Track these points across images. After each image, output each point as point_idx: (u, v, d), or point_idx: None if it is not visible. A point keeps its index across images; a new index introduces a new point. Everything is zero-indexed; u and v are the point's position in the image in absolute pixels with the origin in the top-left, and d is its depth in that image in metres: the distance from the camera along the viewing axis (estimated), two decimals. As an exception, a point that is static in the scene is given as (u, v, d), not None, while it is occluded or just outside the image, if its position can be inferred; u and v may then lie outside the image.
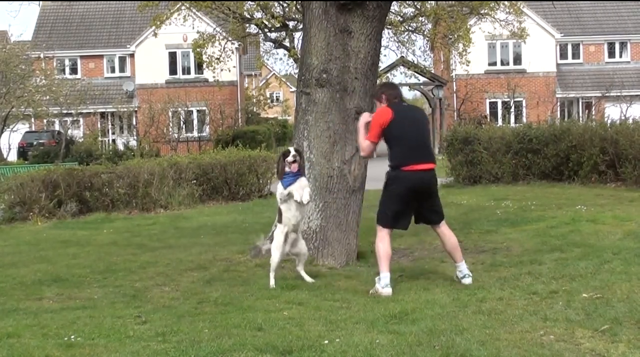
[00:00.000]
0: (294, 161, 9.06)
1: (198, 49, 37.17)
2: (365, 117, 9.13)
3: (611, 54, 50.88)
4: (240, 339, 6.37)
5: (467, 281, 8.59)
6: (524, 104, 47.62)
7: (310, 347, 6.03)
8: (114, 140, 47.25)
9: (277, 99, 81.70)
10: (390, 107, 8.77)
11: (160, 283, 9.81)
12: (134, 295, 9.06)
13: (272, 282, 8.95)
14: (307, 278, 9.12)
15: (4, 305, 8.73)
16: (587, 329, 6.27)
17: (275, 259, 9.11)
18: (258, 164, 21.23)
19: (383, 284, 8.36)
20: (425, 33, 37.64)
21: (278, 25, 36.82)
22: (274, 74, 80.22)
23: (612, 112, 34.93)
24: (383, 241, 8.63)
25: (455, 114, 46.83)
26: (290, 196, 9.00)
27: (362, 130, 8.95)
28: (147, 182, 19.26)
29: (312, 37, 10.68)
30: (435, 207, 8.86)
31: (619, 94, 43.36)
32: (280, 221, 9.23)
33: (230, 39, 38.84)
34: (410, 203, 8.64)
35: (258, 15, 36.91)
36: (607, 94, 44.50)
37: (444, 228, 8.94)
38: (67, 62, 50.58)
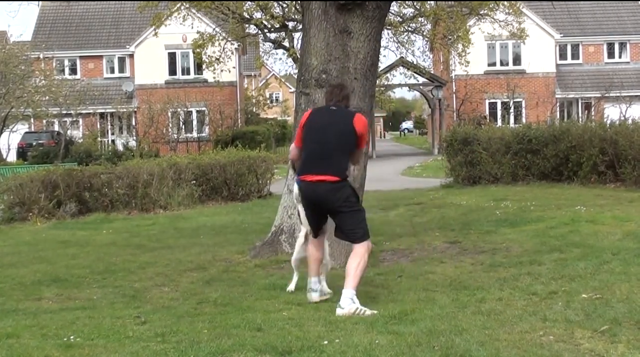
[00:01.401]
0: None
1: (198, 49, 37.21)
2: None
3: (610, 54, 50.91)
4: (239, 339, 6.37)
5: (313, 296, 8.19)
6: (523, 105, 47.64)
7: (309, 348, 6.03)
8: (113, 141, 47.25)
9: (277, 100, 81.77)
10: (311, 110, 8.60)
11: (160, 283, 9.81)
12: (133, 295, 9.06)
13: (292, 284, 8.69)
14: (325, 288, 8.53)
15: (3, 305, 8.74)
16: (586, 330, 6.27)
17: (294, 255, 8.81)
18: (257, 165, 21.23)
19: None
20: (424, 33, 37.72)
21: (277, 25, 36.89)
22: (273, 74, 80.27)
23: (612, 113, 34.99)
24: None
25: (454, 114, 46.87)
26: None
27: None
28: (147, 182, 19.26)
29: (311, 37, 10.69)
30: (342, 227, 8.02)
31: (618, 94, 43.40)
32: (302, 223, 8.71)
33: (229, 39, 38.87)
34: (314, 213, 8.12)
35: (257, 15, 36.99)
36: (606, 95, 44.55)
37: (357, 249, 7.89)
38: (66, 62, 50.59)
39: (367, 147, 11.11)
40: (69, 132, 44.01)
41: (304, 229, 8.63)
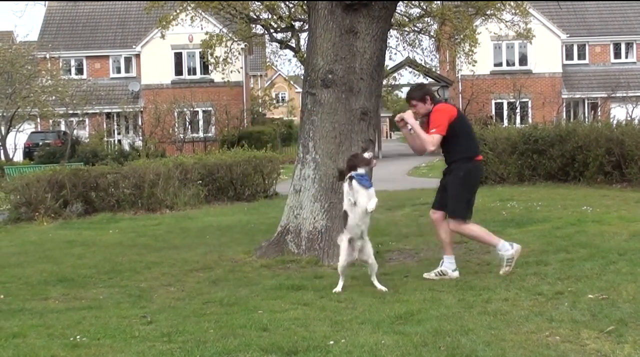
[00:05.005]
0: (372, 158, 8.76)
1: (208, 50, 37.26)
2: (411, 114, 9.32)
3: (617, 54, 50.86)
4: (245, 339, 6.38)
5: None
6: (529, 105, 47.59)
7: (315, 348, 6.03)
8: (119, 141, 47.34)
9: (283, 100, 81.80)
10: (451, 105, 9.51)
11: (166, 283, 9.81)
12: (139, 295, 9.06)
13: (339, 286, 8.57)
14: (379, 286, 8.60)
15: (10, 305, 8.75)
16: (592, 330, 6.27)
17: (341, 262, 8.67)
18: (264, 165, 21.25)
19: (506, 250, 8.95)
20: (431, 33, 37.70)
21: (284, 25, 36.94)
22: (279, 74, 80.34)
23: (618, 113, 34.89)
24: (470, 226, 9.16)
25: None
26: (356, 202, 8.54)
27: (419, 127, 9.16)
28: (153, 182, 19.27)
29: (317, 37, 10.69)
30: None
31: (624, 94, 43.33)
32: (344, 226, 8.71)
33: (236, 39, 38.91)
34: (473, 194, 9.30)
35: (264, 15, 37.02)
36: (613, 95, 44.47)
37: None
38: (72, 62, 50.74)
39: (373, 147, 11.13)
40: (75, 132, 44.06)
41: (347, 235, 8.65)
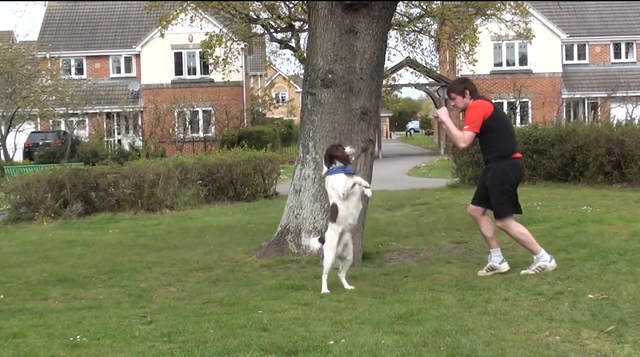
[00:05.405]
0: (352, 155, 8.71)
1: (208, 50, 37.24)
2: (445, 111, 9.35)
3: (617, 54, 50.86)
4: (245, 339, 6.37)
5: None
6: (529, 105, 47.56)
7: (315, 348, 6.03)
8: (119, 141, 47.33)
9: (283, 100, 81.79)
10: (485, 100, 9.22)
11: (166, 283, 9.82)
12: (139, 295, 9.07)
13: (324, 287, 8.48)
14: (347, 285, 8.68)
15: (10, 305, 8.75)
16: (592, 330, 6.26)
17: (329, 260, 8.59)
18: (263, 165, 21.26)
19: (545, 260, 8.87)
20: (431, 34, 37.67)
21: (284, 25, 36.92)
22: (279, 74, 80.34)
23: (618, 113, 34.88)
24: (518, 227, 8.99)
25: (460, 114, 46.74)
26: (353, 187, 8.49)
27: (452, 124, 9.14)
28: (153, 182, 19.28)
29: (317, 37, 10.69)
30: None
31: (624, 94, 43.29)
32: (333, 220, 8.64)
33: (236, 39, 38.91)
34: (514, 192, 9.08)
35: (264, 15, 37.00)
36: (613, 95, 44.45)
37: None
38: (72, 62, 50.74)
39: (374, 147, 11.13)
40: (75, 132, 44.04)
41: (339, 228, 8.60)
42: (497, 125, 8.94)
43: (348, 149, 8.67)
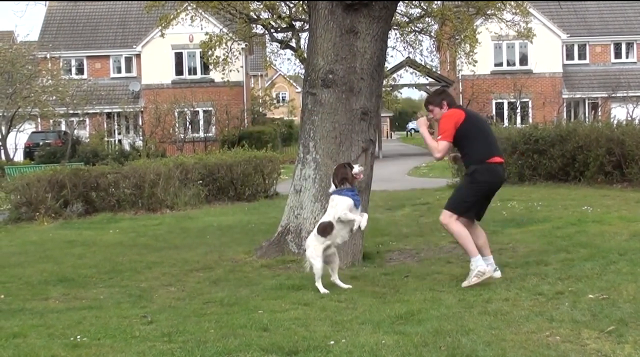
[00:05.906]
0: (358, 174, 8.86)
1: (208, 50, 37.23)
2: (424, 121, 9.34)
3: (617, 54, 50.81)
4: (246, 339, 6.38)
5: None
6: (530, 105, 47.53)
7: (316, 348, 6.04)
8: (120, 141, 47.29)
9: (283, 100, 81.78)
10: (458, 109, 9.06)
11: (166, 283, 9.82)
12: (139, 295, 9.07)
13: (321, 290, 8.53)
14: (343, 285, 8.79)
15: (10, 305, 8.75)
16: (593, 330, 6.27)
17: (318, 266, 8.65)
18: (264, 165, 21.25)
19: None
20: (431, 34, 37.68)
21: (284, 25, 36.90)
22: (280, 74, 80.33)
23: (619, 113, 34.89)
24: (456, 225, 8.78)
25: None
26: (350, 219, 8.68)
27: (428, 135, 9.11)
28: (153, 182, 19.28)
29: (318, 37, 10.69)
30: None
31: (625, 94, 43.29)
32: (324, 236, 8.74)
33: (236, 39, 38.90)
34: (483, 198, 8.98)
35: (265, 15, 36.99)
36: (613, 95, 44.45)
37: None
38: (73, 62, 50.69)
39: (373, 147, 11.13)
40: (75, 132, 44.02)
41: (326, 242, 8.72)
42: (471, 132, 8.82)
43: (357, 168, 8.84)
